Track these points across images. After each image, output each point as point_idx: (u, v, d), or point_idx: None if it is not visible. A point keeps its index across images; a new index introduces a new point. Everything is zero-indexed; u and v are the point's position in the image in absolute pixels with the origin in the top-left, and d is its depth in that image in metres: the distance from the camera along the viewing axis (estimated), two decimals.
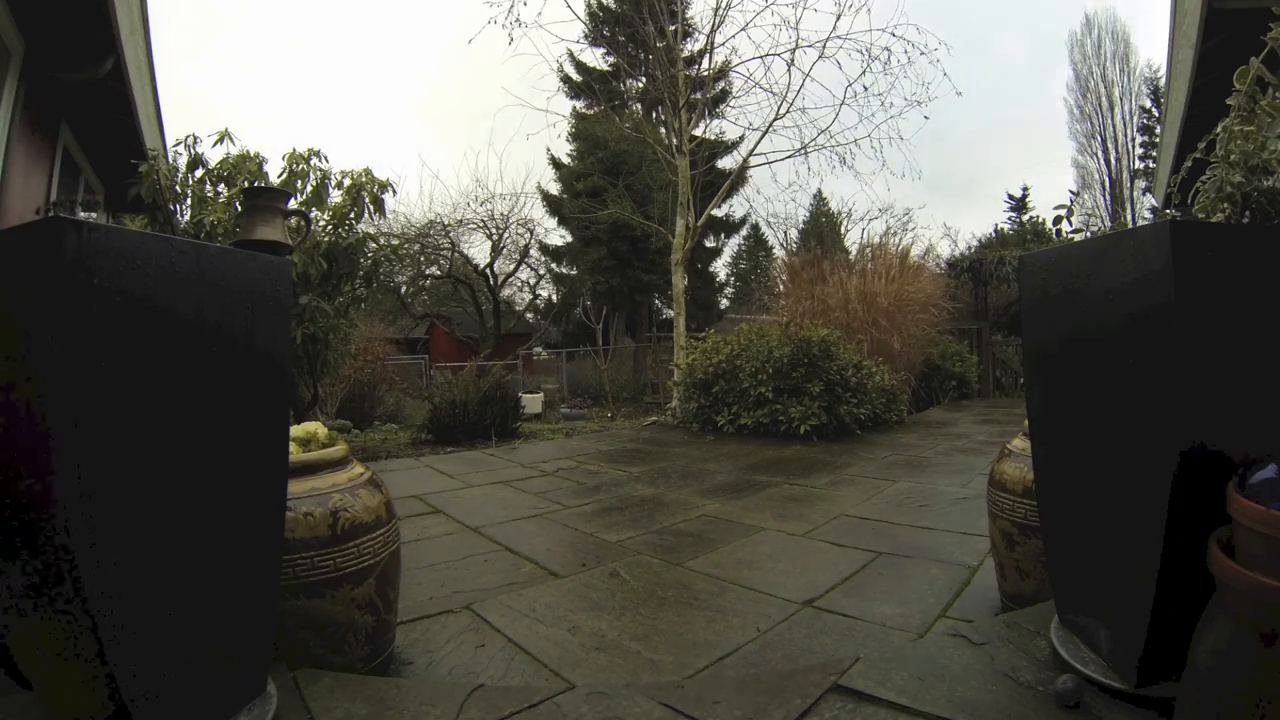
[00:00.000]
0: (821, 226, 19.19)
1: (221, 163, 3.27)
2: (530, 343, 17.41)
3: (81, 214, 4.58)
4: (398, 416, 7.75)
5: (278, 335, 1.25)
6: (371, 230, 4.48)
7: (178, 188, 3.26)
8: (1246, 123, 1.43)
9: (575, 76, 15.97)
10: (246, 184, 3.07)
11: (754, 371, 5.58)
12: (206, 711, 1.09)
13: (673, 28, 8.50)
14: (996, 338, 10.35)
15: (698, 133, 10.85)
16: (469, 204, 15.31)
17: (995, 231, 18.97)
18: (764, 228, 21.87)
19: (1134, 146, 22.80)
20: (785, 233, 19.28)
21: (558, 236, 18.69)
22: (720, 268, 22.20)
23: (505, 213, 15.74)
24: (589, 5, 15.28)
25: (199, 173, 3.29)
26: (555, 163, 17.94)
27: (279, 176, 3.33)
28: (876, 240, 9.33)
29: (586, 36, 13.03)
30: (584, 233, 16.06)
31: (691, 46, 12.31)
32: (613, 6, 15.44)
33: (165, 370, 1.01)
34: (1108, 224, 20.74)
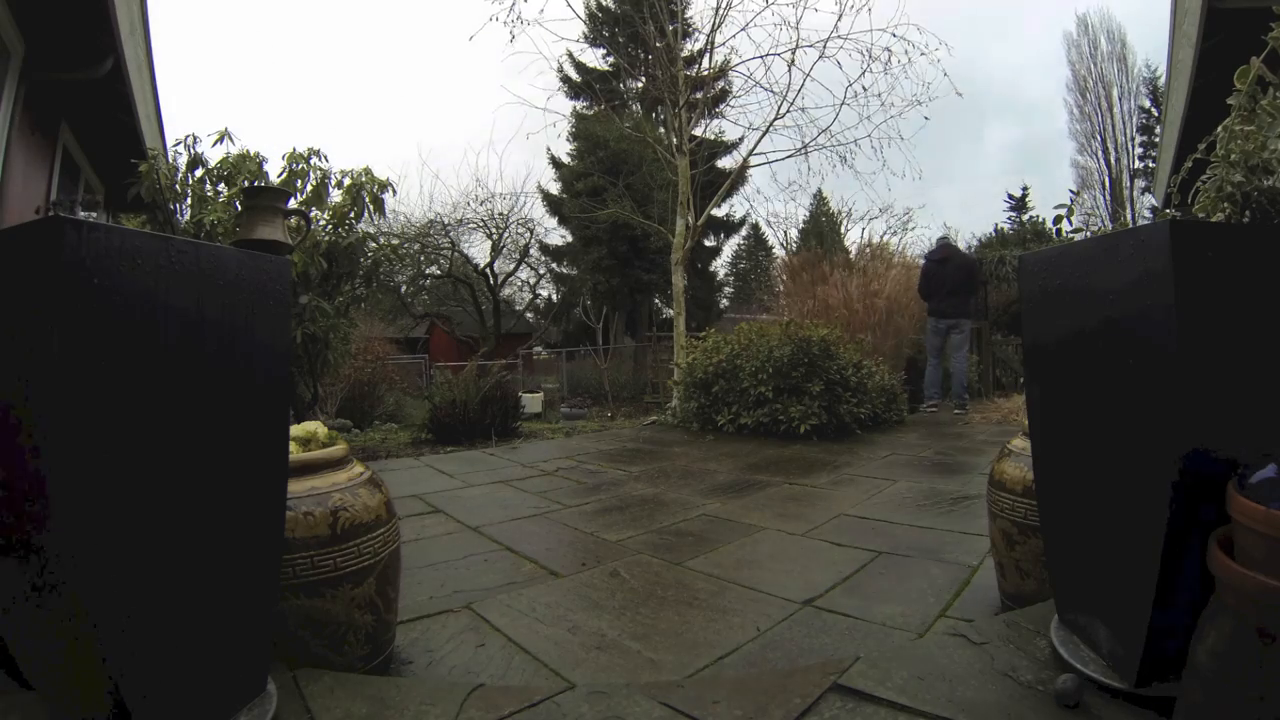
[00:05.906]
0: (821, 226, 19.20)
1: (221, 162, 3.27)
2: (530, 342, 17.41)
3: (81, 214, 4.58)
4: (398, 416, 7.74)
5: (278, 335, 1.25)
6: (371, 230, 4.48)
7: (178, 187, 3.26)
8: (1247, 122, 1.43)
9: (575, 77, 15.98)
10: (246, 183, 3.07)
11: (754, 371, 5.57)
12: (207, 710, 1.09)
13: (673, 27, 8.49)
14: (996, 337, 10.34)
15: (698, 132, 10.82)
16: (469, 203, 15.34)
17: (995, 231, 19.00)
18: (764, 227, 21.93)
19: (1134, 146, 22.86)
20: (785, 232, 19.32)
21: (558, 236, 18.72)
22: (720, 267, 22.22)
23: (505, 212, 15.77)
24: (588, 6, 15.28)
25: (199, 172, 3.29)
26: (555, 162, 17.96)
27: (279, 176, 3.34)
28: (876, 240, 9.33)
29: (586, 37, 13.03)
30: (584, 232, 16.08)
31: (691, 46, 12.30)
32: (612, 7, 15.44)
33: (165, 370, 1.01)
34: (1108, 224, 20.75)
